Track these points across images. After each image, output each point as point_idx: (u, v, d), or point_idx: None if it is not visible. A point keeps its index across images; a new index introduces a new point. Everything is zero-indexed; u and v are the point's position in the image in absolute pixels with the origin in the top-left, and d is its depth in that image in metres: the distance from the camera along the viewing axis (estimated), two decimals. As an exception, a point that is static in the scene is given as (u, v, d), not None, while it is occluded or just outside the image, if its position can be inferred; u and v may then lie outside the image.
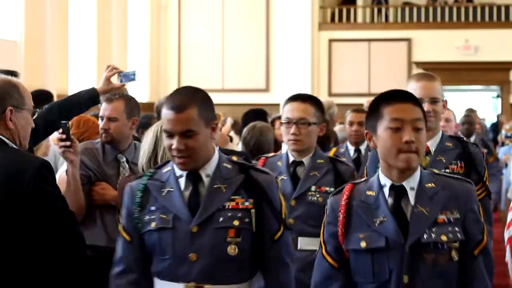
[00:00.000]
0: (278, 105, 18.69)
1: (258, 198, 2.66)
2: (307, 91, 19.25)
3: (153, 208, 2.68)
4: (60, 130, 3.69)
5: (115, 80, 4.08)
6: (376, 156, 3.20)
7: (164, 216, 2.65)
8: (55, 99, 7.27)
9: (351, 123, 6.13)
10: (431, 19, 19.76)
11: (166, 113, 2.63)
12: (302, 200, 3.72)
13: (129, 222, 2.70)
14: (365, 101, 12.33)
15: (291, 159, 3.83)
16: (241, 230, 2.65)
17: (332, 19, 20.35)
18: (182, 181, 2.69)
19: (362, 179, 2.74)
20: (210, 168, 2.69)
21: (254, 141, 5.19)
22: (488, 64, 18.90)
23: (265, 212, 2.68)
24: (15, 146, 2.85)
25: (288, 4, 19.32)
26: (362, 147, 6.12)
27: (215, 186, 2.67)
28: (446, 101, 3.57)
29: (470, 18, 19.55)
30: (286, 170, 3.79)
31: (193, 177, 2.69)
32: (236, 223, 2.63)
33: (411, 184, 2.56)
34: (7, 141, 2.82)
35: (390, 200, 2.57)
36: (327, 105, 8.50)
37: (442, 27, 19.44)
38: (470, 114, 9.24)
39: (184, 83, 19.69)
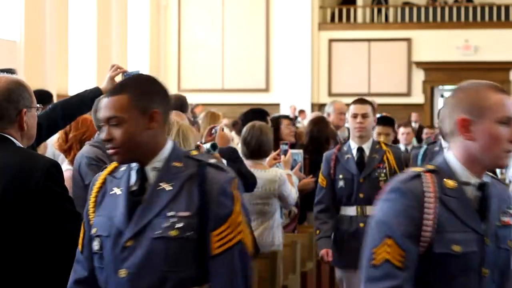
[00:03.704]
0: (278, 105, 18.71)
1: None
2: (307, 91, 19.29)
3: None
4: None
5: (116, 79, 4.07)
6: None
7: None
8: (55, 99, 7.28)
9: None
10: (431, 19, 19.78)
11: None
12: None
13: None
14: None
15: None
16: None
17: (332, 19, 20.36)
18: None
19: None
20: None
21: (255, 141, 5.11)
22: (488, 64, 18.91)
23: None
24: (22, 146, 2.85)
25: (288, 4, 19.34)
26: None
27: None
28: None
29: (470, 18, 19.57)
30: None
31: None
32: None
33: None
34: (15, 141, 2.82)
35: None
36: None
37: (442, 27, 19.45)
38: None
39: (184, 83, 19.72)
